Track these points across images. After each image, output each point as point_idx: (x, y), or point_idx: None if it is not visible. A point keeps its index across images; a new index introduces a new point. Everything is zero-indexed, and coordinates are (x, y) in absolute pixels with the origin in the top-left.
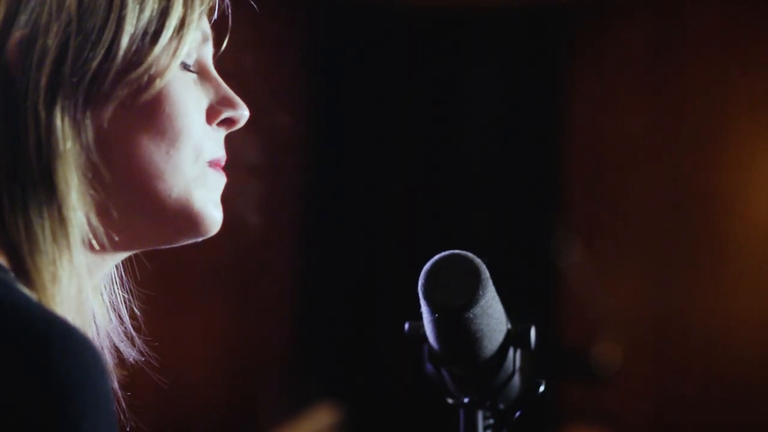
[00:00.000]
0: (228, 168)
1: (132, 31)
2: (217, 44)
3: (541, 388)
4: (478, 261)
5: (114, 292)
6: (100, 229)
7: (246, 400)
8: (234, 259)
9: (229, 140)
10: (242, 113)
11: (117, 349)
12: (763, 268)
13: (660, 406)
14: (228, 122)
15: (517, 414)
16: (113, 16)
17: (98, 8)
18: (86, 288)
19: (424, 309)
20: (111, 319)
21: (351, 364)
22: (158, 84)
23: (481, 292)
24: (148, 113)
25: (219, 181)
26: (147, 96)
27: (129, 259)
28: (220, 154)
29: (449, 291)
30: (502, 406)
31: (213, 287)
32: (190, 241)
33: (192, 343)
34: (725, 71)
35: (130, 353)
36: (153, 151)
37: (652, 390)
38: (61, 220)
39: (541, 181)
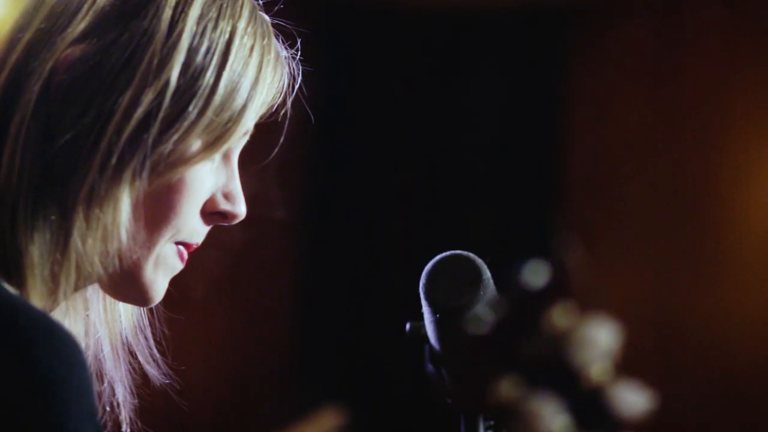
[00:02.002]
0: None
1: (212, 117)
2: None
3: None
4: (478, 261)
5: (142, 314)
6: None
7: (248, 405)
8: (234, 264)
9: None
10: (239, 211)
11: (141, 370)
12: (763, 268)
13: (660, 405)
14: (221, 216)
15: None
16: (204, 98)
17: (197, 83)
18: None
19: (426, 309)
20: (139, 338)
21: (352, 366)
22: (199, 167)
23: (482, 292)
24: (158, 191)
25: (177, 265)
26: (176, 175)
27: None
28: (196, 240)
29: (450, 291)
30: None
31: (213, 292)
32: (130, 303)
33: (193, 348)
34: (725, 72)
35: (155, 375)
36: (136, 223)
37: (651, 390)
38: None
39: (541, 181)
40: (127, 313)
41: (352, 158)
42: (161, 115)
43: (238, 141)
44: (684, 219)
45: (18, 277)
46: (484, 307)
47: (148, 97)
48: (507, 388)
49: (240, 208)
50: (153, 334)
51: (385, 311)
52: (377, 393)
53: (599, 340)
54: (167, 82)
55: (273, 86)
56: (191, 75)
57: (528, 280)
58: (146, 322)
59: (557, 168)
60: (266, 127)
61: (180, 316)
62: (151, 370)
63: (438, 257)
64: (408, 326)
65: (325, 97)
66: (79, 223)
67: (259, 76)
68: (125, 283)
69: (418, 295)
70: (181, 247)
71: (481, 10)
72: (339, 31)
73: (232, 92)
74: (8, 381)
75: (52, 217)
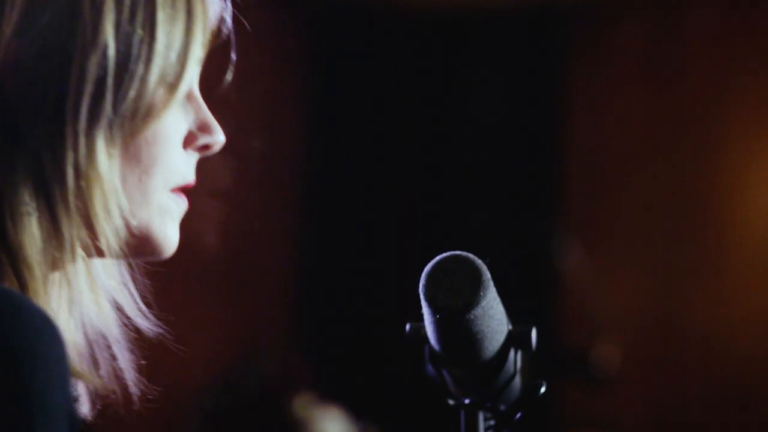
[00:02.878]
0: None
1: (161, 63)
2: (207, 65)
3: (542, 390)
4: (479, 262)
5: (122, 272)
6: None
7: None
8: (232, 260)
9: (229, 139)
10: (218, 140)
11: (134, 327)
12: (763, 269)
13: (659, 407)
14: (203, 148)
15: (518, 415)
16: (145, 48)
17: (132, 38)
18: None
19: (425, 310)
20: (123, 294)
21: (352, 367)
22: (163, 115)
23: (482, 293)
24: (138, 149)
25: (181, 207)
26: (150, 124)
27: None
28: (189, 179)
29: (450, 292)
30: (503, 408)
31: (211, 288)
32: (146, 260)
33: (190, 344)
34: (725, 72)
35: (144, 326)
36: (127, 176)
37: (651, 391)
38: (89, 238)
39: (541, 181)
40: (107, 272)
41: (351, 158)
42: (110, 80)
43: (195, 74)
44: (684, 220)
45: (18, 277)
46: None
47: (93, 68)
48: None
49: (218, 136)
50: (137, 289)
51: (385, 312)
52: (377, 393)
53: None
54: (106, 46)
55: (208, 9)
56: (126, 32)
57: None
58: (128, 277)
59: (557, 168)
60: (266, 127)
61: (161, 268)
62: (142, 323)
63: (438, 258)
64: (407, 327)
65: (325, 96)
66: (69, 208)
67: (191, 5)
68: (138, 243)
69: (418, 295)
70: (178, 193)
71: (480, 10)
72: (338, 31)
73: (171, 32)
74: None
75: (39, 211)
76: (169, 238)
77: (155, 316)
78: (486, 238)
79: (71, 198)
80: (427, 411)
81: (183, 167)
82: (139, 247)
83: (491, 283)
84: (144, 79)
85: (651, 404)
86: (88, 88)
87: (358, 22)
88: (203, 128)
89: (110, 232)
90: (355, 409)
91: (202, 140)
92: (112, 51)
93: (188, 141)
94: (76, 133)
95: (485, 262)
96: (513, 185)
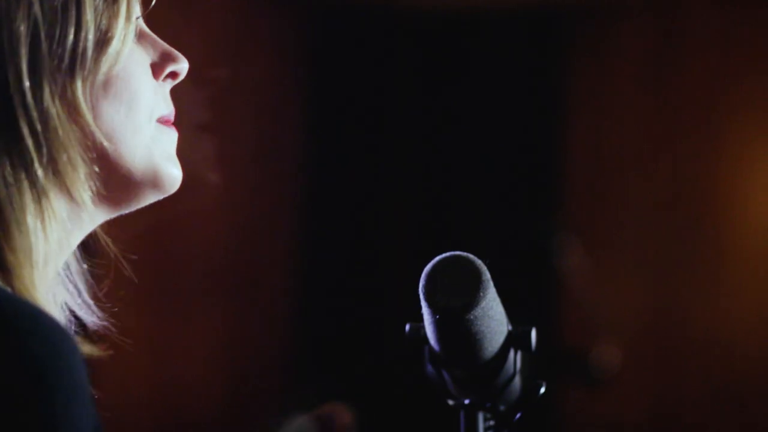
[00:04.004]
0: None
1: (93, 2)
2: (144, 4)
3: (542, 390)
4: (478, 262)
5: (68, 267)
6: (89, 205)
7: (245, 402)
8: (232, 261)
9: (229, 138)
10: (183, 65)
11: (76, 317)
12: (763, 269)
13: (659, 407)
14: (172, 75)
15: (518, 416)
16: None
17: None
18: (58, 267)
19: (425, 310)
20: (68, 289)
21: (351, 367)
22: (126, 50)
23: (481, 294)
24: (105, 79)
25: (171, 137)
26: (119, 64)
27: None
28: (170, 109)
29: (450, 292)
30: (502, 408)
31: (211, 289)
32: (153, 200)
33: (190, 345)
34: (725, 72)
35: (90, 320)
36: (114, 116)
37: (651, 391)
38: (71, 202)
39: (541, 182)
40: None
41: (351, 158)
42: (43, 34)
43: (135, 10)
44: (684, 220)
45: (12, 258)
46: None
47: (21, 31)
48: None
49: (182, 62)
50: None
51: (385, 312)
52: (376, 393)
53: None
54: (30, 3)
55: None
56: None
57: None
58: (73, 270)
59: (557, 169)
60: (267, 126)
61: (101, 270)
62: (85, 316)
63: (438, 258)
64: (407, 327)
65: (324, 96)
66: (38, 167)
67: None
68: (144, 180)
69: (418, 295)
70: (166, 124)
71: (480, 10)
72: (337, 31)
73: None
74: None
75: (17, 181)
76: (170, 170)
77: (99, 307)
78: (486, 238)
79: (35, 157)
80: (427, 411)
81: (160, 97)
82: (145, 186)
83: (491, 284)
84: (80, 26)
85: (651, 404)
86: (25, 54)
87: (357, 21)
88: (166, 57)
89: (80, 184)
90: (354, 409)
91: (169, 68)
92: (36, 6)
93: (156, 71)
94: (22, 92)
95: (485, 263)
96: (513, 185)
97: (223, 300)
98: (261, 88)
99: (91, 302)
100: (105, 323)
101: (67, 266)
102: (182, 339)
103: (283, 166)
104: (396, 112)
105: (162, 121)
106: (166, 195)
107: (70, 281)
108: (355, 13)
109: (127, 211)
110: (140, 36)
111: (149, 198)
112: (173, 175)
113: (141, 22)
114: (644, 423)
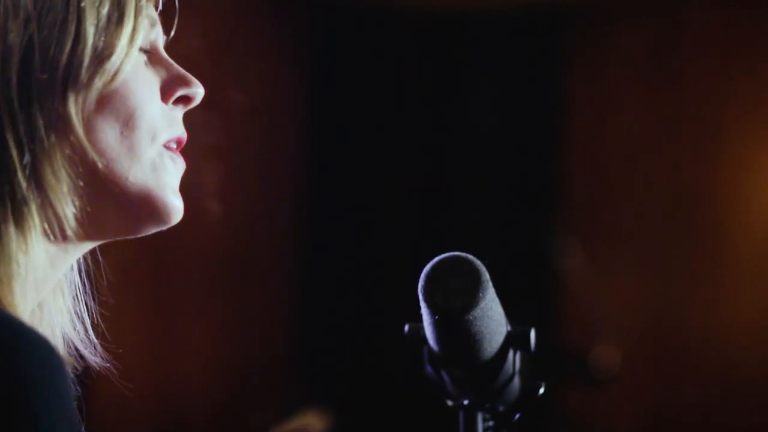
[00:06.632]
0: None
1: (95, 21)
2: (166, 30)
3: (541, 391)
4: (478, 263)
5: (78, 298)
6: (71, 220)
7: (246, 404)
8: (231, 261)
9: (229, 139)
10: (197, 90)
11: (80, 355)
12: (762, 271)
13: (659, 407)
14: (184, 100)
15: (517, 416)
16: (72, 9)
17: (56, 3)
18: (48, 283)
19: (424, 311)
20: (75, 326)
21: (351, 367)
22: (126, 69)
23: (481, 294)
24: (103, 96)
25: (177, 165)
26: (115, 82)
27: (97, 264)
28: (179, 133)
29: (449, 293)
30: (501, 408)
31: (211, 289)
32: (153, 230)
33: (189, 345)
34: (725, 73)
35: (93, 360)
36: (108, 132)
37: (651, 392)
38: (51, 214)
39: (540, 183)
40: (57, 307)
41: (351, 159)
42: (37, 46)
43: (147, 31)
44: (683, 221)
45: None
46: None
47: (16, 42)
48: None
49: (195, 87)
50: (90, 319)
51: (384, 312)
52: (376, 394)
53: None
54: (27, 18)
55: None
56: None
57: None
58: (83, 307)
59: (557, 169)
60: (267, 128)
61: (111, 299)
62: (90, 356)
63: (437, 259)
64: (406, 328)
65: (325, 97)
66: (22, 187)
67: None
68: (139, 207)
69: (417, 296)
70: (172, 150)
71: (480, 10)
72: (337, 32)
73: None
74: None
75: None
76: (169, 199)
77: (106, 348)
78: (486, 238)
79: (18, 167)
80: (427, 412)
81: (167, 121)
82: (141, 212)
83: (490, 284)
84: (78, 38)
85: (650, 405)
86: (14, 58)
87: (357, 22)
88: (178, 80)
89: (62, 197)
90: (353, 409)
91: (180, 91)
92: (33, 22)
93: (166, 94)
94: (9, 100)
95: (485, 263)
96: (513, 186)
97: (223, 300)
98: (261, 89)
99: (96, 342)
100: (107, 365)
101: (74, 299)
102: (182, 339)
103: (283, 166)
104: (396, 112)
105: (169, 146)
106: (165, 226)
107: (78, 317)
108: (355, 13)
109: (124, 238)
110: (153, 58)
111: (147, 226)
112: (172, 204)
113: (158, 45)
114: (644, 423)
